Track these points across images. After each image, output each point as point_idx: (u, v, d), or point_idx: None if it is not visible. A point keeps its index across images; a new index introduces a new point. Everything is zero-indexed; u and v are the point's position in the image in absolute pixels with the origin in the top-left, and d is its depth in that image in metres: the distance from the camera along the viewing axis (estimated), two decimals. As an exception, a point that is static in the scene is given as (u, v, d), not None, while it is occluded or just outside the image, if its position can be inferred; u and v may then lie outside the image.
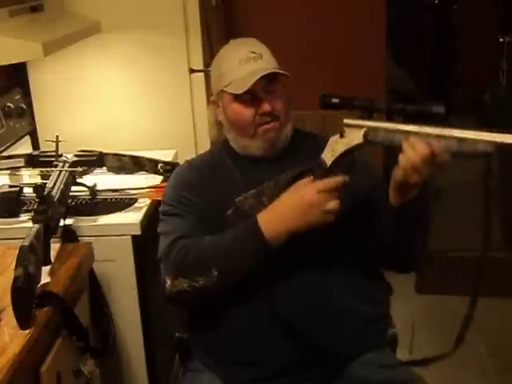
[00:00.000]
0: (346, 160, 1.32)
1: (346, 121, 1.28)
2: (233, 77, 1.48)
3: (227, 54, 1.53)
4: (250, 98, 1.47)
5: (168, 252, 1.41)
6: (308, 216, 1.32)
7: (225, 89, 1.50)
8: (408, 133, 1.23)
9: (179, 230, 1.44)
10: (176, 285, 1.38)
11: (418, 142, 1.21)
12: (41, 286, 1.35)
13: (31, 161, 1.94)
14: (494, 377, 2.53)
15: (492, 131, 1.19)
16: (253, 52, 1.49)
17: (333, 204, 1.31)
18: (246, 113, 1.48)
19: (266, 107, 1.46)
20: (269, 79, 1.46)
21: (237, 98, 1.48)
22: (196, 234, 1.42)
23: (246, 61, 1.47)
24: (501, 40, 3.24)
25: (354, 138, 1.29)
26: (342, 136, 1.29)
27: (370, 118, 1.31)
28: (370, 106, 1.32)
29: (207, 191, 1.49)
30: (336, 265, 1.44)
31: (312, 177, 1.34)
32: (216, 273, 1.34)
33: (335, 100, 1.32)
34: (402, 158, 1.23)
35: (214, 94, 1.57)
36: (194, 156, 1.73)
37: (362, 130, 1.27)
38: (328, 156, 1.33)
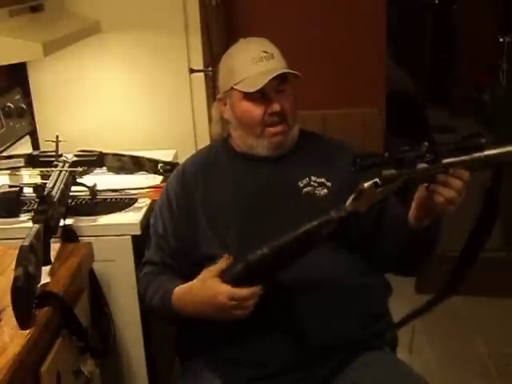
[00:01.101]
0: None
1: (384, 173, 1.17)
2: (244, 75, 1.49)
3: (238, 53, 1.54)
4: (260, 96, 1.48)
5: (140, 276, 1.60)
6: (215, 312, 1.35)
7: (235, 87, 1.51)
8: (442, 166, 1.20)
9: (149, 252, 1.58)
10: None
11: (451, 179, 1.21)
12: (41, 285, 1.34)
13: (31, 161, 1.94)
14: (494, 377, 2.53)
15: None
16: (265, 52, 1.50)
17: (240, 313, 1.32)
18: (255, 111, 1.49)
19: (276, 107, 1.47)
20: (280, 80, 1.48)
21: (246, 96, 1.49)
22: (163, 260, 1.55)
23: (258, 60, 1.49)
24: (501, 40, 3.24)
25: (390, 187, 1.19)
26: (378, 186, 1.18)
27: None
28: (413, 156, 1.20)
29: (194, 197, 1.54)
30: (336, 264, 1.44)
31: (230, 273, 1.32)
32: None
33: (374, 159, 1.18)
34: (437, 195, 1.23)
35: (221, 91, 1.58)
36: (193, 153, 1.74)
37: (399, 180, 1.19)
38: (361, 204, 1.23)
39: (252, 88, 1.47)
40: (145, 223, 1.75)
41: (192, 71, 2.32)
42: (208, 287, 1.35)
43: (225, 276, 1.33)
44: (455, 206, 1.26)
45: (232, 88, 1.52)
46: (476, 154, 1.20)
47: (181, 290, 1.43)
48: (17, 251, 1.31)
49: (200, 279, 1.38)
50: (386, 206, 1.43)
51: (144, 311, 1.76)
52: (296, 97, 1.54)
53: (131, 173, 1.97)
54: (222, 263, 1.36)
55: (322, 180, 1.50)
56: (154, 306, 1.50)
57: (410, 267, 1.52)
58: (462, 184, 1.23)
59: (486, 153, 1.20)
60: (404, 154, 1.17)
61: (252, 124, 1.50)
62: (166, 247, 1.56)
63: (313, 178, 1.51)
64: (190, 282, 1.41)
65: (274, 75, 1.45)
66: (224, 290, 1.32)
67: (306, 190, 1.50)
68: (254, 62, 1.49)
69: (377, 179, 1.18)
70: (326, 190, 1.49)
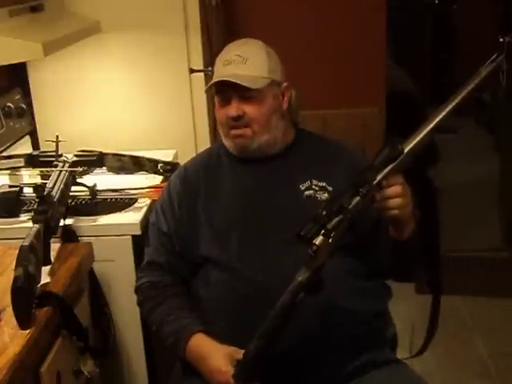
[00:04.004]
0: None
1: (328, 226, 1.21)
2: (215, 76, 1.52)
3: (222, 53, 1.55)
4: (224, 99, 1.50)
5: (139, 276, 1.59)
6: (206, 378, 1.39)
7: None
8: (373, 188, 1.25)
9: (152, 251, 1.57)
10: None
11: (388, 190, 1.25)
12: (41, 286, 1.35)
13: (31, 161, 1.94)
14: (494, 377, 2.53)
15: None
16: (238, 55, 1.49)
17: None
18: (219, 113, 1.52)
19: (231, 112, 1.48)
20: (242, 86, 1.46)
21: (216, 97, 1.52)
22: (168, 260, 1.55)
23: (228, 63, 1.49)
24: (501, 40, 3.23)
25: (340, 231, 1.23)
26: (328, 237, 1.22)
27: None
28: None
29: (196, 196, 1.55)
30: (335, 267, 1.43)
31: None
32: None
33: (315, 227, 1.21)
34: (385, 211, 1.28)
35: None
36: (193, 156, 1.74)
37: (343, 224, 1.23)
38: (321, 258, 1.25)
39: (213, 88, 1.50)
40: (145, 223, 1.75)
41: (192, 71, 2.32)
42: (211, 369, 1.38)
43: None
44: (409, 206, 1.30)
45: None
46: (397, 157, 1.24)
47: (201, 341, 1.42)
48: (17, 251, 1.31)
49: (222, 348, 1.39)
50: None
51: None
52: (280, 106, 1.52)
53: (131, 173, 1.97)
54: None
55: (324, 184, 1.50)
56: (161, 333, 1.49)
57: (404, 273, 1.53)
58: (400, 187, 1.27)
59: (406, 150, 1.24)
60: (339, 202, 1.22)
61: (220, 124, 1.54)
62: (170, 246, 1.55)
63: (314, 182, 1.50)
64: (212, 341, 1.41)
65: (220, 79, 1.47)
66: (222, 379, 1.35)
67: (307, 193, 1.50)
68: (224, 64, 1.50)
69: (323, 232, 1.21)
70: (326, 195, 1.49)
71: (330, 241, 1.21)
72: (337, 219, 1.21)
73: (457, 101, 1.26)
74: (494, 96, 3.84)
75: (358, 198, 1.22)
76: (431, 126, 1.25)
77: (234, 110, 1.47)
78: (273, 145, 1.53)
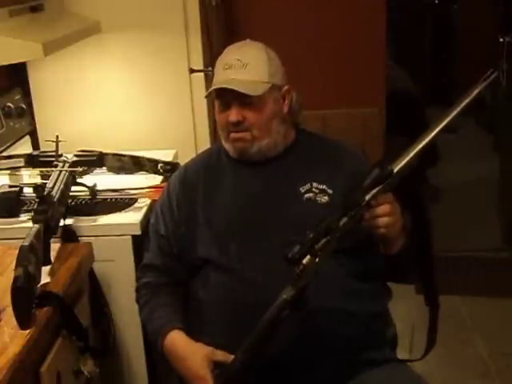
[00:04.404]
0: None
1: (315, 247, 1.22)
2: (215, 80, 1.52)
3: (222, 56, 1.55)
4: (222, 103, 1.50)
5: (138, 277, 1.62)
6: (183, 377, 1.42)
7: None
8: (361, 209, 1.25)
9: (149, 252, 1.59)
10: None
11: (377, 209, 1.26)
12: (41, 286, 1.35)
13: (31, 161, 1.94)
14: (494, 377, 2.53)
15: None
16: (238, 60, 1.49)
17: None
18: (219, 117, 1.52)
19: (231, 117, 1.48)
20: (240, 92, 1.45)
21: (217, 101, 1.52)
22: (165, 263, 1.56)
23: (229, 67, 1.49)
24: (501, 40, 3.24)
25: (327, 251, 1.23)
26: (315, 256, 1.22)
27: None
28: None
29: (195, 197, 1.55)
30: (335, 269, 1.43)
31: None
32: None
33: (302, 249, 1.20)
34: (374, 230, 1.29)
35: None
36: (194, 156, 1.74)
37: (331, 244, 1.23)
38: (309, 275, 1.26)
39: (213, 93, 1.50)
40: (145, 223, 1.75)
41: (192, 71, 2.32)
42: (196, 363, 1.38)
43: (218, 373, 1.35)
44: (397, 224, 1.31)
45: None
46: (386, 178, 1.24)
47: (176, 339, 1.44)
48: (17, 251, 1.31)
49: (199, 349, 1.40)
50: None
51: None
52: (280, 111, 1.51)
53: (131, 173, 1.97)
54: (222, 357, 1.36)
55: (324, 187, 1.50)
56: (147, 330, 1.57)
57: (399, 279, 1.55)
58: (389, 206, 1.27)
59: (395, 171, 1.24)
60: (326, 223, 1.22)
61: (220, 127, 1.54)
62: (168, 248, 1.55)
63: (314, 185, 1.50)
64: (188, 340, 1.43)
65: (219, 86, 1.47)
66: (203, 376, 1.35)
67: (307, 196, 1.49)
68: (224, 68, 1.49)
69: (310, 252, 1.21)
70: (326, 198, 1.48)
71: (317, 260, 1.21)
72: (324, 240, 1.21)
73: (448, 119, 1.26)
74: (494, 96, 3.84)
75: (345, 219, 1.23)
76: (421, 145, 1.25)
77: (234, 115, 1.47)
78: (273, 148, 1.53)
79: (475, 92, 1.26)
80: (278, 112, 1.52)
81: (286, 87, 1.54)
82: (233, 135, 1.50)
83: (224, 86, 1.46)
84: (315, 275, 1.23)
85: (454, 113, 1.26)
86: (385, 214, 1.27)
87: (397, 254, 1.38)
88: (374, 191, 1.24)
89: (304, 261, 1.20)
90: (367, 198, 1.24)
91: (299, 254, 1.20)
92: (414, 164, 1.25)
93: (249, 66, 1.48)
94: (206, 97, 1.49)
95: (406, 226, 1.37)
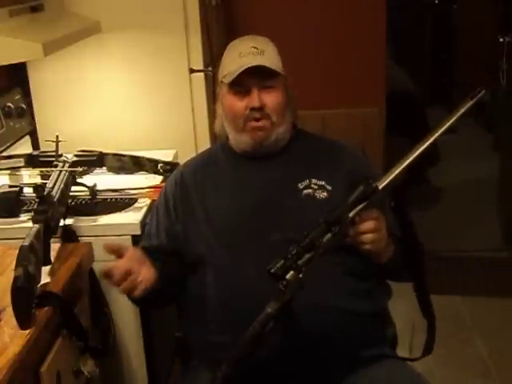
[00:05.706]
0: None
1: (298, 263, 1.22)
2: (230, 68, 1.51)
3: (232, 47, 1.55)
4: (243, 90, 1.49)
5: None
6: None
7: (222, 79, 1.51)
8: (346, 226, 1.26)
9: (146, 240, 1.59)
10: None
11: (361, 225, 1.27)
12: (41, 286, 1.35)
13: (31, 161, 1.94)
14: (494, 377, 2.53)
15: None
16: (255, 47, 1.50)
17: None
18: (237, 105, 1.50)
19: (255, 102, 1.47)
20: (265, 76, 1.46)
21: (231, 90, 1.50)
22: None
23: (246, 54, 1.49)
24: (501, 40, 3.24)
25: (310, 266, 1.23)
26: (299, 271, 1.22)
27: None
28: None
29: (192, 197, 1.55)
30: (333, 267, 1.43)
31: None
32: None
33: (285, 264, 1.20)
34: (360, 245, 1.31)
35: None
36: (194, 155, 1.74)
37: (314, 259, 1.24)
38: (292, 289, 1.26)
39: (230, 80, 1.48)
40: (145, 223, 1.75)
41: (192, 71, 2.32)
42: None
43: None
44: (383, 240, 1.32)
45: (221, 81, 1.54)
46: (371, 195, 1.25)
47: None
48: (17, 251, 1.31)
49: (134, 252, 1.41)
50: None
51: (143, 311, 1.76)
52: (293, 98, 1.54)
53: (131, 173, 1.97)
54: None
55: (322, 183, 1.50)
56: None
57: (396, 277, 1.56)
58: (373, 223, 1.28)
59: (380, 187, 1.25)
60: (308, 239, 1.22)
61: (235, 118, 1.51)
62: (157, 247, 1.55)
63: (313, 181, 1.50)
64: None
65: (247, 66, 1.45)
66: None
67: (305, 192, 1.49)
68: (240, 55, 1.49)
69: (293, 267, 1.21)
70: (325, 194, 1.49)
71: (301, 276, 1.21)
72: (308, 256, 1.22)
73: (435, 136, 1.28)
74: (494, 95, 3.84)
75: (329, 236, 1.23)
76: (406, 163, 1.26)
77: (256, 100, 1.47)
78: (282, 139, 1.54)
79: (461, 111, 1.28)
80: (288, 101, 1.53)
81: (290, 80, 1.55)
82: (253, 124, 1.49)
83: (255, 63, 1.45)
84: (300, 288, 1.22)
85: (439, 132, 1.28)
86: (369, 231, 1.28)
87: (388, 262, 1.40)
88: (358, 208, 1.25)
89: (287, 276, 1.20)
90: (351, 214, 1.25)
91: (282, 270, 1.20)
92: (398, 181, 1.26)
93: (266, 52, 1.50)
94: (230, 82, 1.46)
95: (395, 232, 1.38)
